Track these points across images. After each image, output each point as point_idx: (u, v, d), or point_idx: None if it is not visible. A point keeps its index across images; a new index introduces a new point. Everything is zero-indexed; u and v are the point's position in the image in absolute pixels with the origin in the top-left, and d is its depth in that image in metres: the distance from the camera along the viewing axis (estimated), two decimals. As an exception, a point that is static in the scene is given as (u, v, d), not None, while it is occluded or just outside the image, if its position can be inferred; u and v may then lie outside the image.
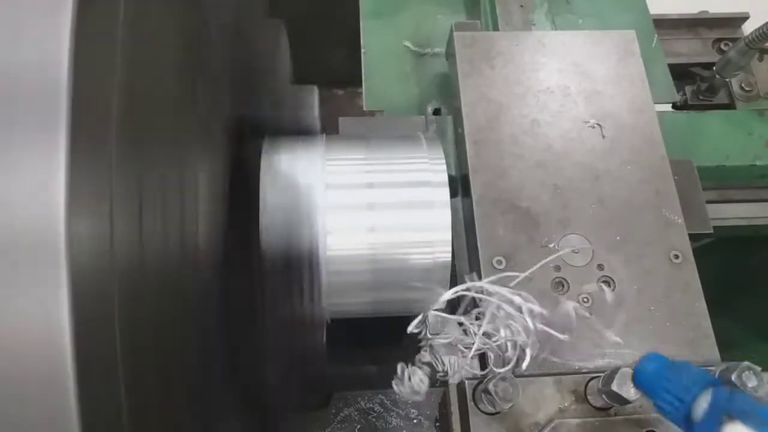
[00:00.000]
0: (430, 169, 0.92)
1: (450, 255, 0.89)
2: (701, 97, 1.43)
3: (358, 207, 0.89)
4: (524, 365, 0.80)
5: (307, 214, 0.87)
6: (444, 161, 0.93)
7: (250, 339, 0.92)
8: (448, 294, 0.86)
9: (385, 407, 1.11)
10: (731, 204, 1.35)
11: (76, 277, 0.38)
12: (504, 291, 0.81)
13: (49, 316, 0.37)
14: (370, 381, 1.14)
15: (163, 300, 0.56)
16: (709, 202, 1.13)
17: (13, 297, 0.37)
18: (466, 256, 0.96)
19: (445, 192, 0.90)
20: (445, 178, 0.91)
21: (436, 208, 0.89)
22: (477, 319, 0.83)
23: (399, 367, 0.80)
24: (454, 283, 0.93)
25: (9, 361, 0.38)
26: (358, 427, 1.10)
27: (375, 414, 1.11)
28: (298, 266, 0.87)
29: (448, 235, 0.88)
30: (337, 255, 0.87)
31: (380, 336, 1.09)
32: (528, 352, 0.80)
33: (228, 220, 0.80)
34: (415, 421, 1.10)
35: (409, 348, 0.87)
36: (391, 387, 0.81)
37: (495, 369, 0.78)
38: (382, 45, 1.35)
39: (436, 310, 0.86)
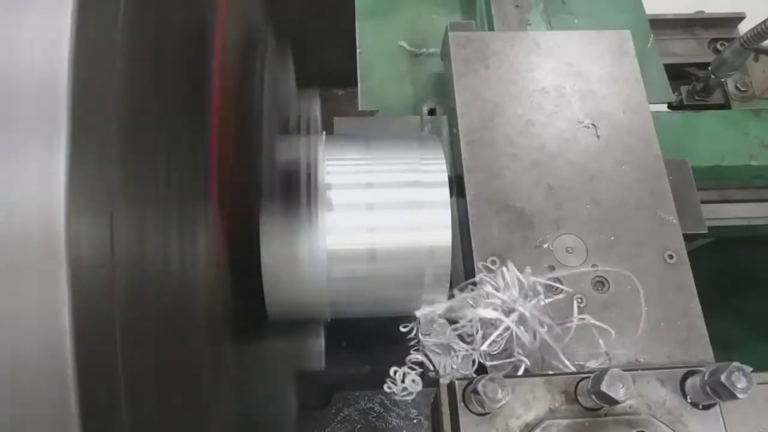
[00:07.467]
0: (430, 169, 0.93)
1: (450, 255, 0.89)
2: (697, 97, 1.43)
3: (358, 207, 0.89)
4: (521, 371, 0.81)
5: (308, 214, 0.87)
6: (444, 161, 0.94)
7: (253, 332, 0.93)
8: (446, 305, 0.87)
9: (385, 407, 1.11)
10: (730, 204, 1.35)
11: (77, 276, 0.38)
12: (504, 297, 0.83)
13: (49, 315, 0.38)
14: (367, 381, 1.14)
15: (163, 298, 0.57)
16: (707, 202, 1.13)
17: (14, 296, 0.38)
18: (461, 256, 0.97)
19: (445, 192, 0.91)
20: (445, 178, 0.92)
21: (436, 208, 0.90)
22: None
23: (392, 369, 0.81)
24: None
25: (9, 360, 0.38)
26: (358, 427, 1.10)
27: (375, 414, 1.11)
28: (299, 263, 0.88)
29: (448, 235, 0.89)
30: (337, 255, 0.87)
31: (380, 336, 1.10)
32: (525, 360, 0.81)
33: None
34: (415, 421, 1.10)
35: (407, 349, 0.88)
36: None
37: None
38: (378, 45, 1.35)
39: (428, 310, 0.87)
